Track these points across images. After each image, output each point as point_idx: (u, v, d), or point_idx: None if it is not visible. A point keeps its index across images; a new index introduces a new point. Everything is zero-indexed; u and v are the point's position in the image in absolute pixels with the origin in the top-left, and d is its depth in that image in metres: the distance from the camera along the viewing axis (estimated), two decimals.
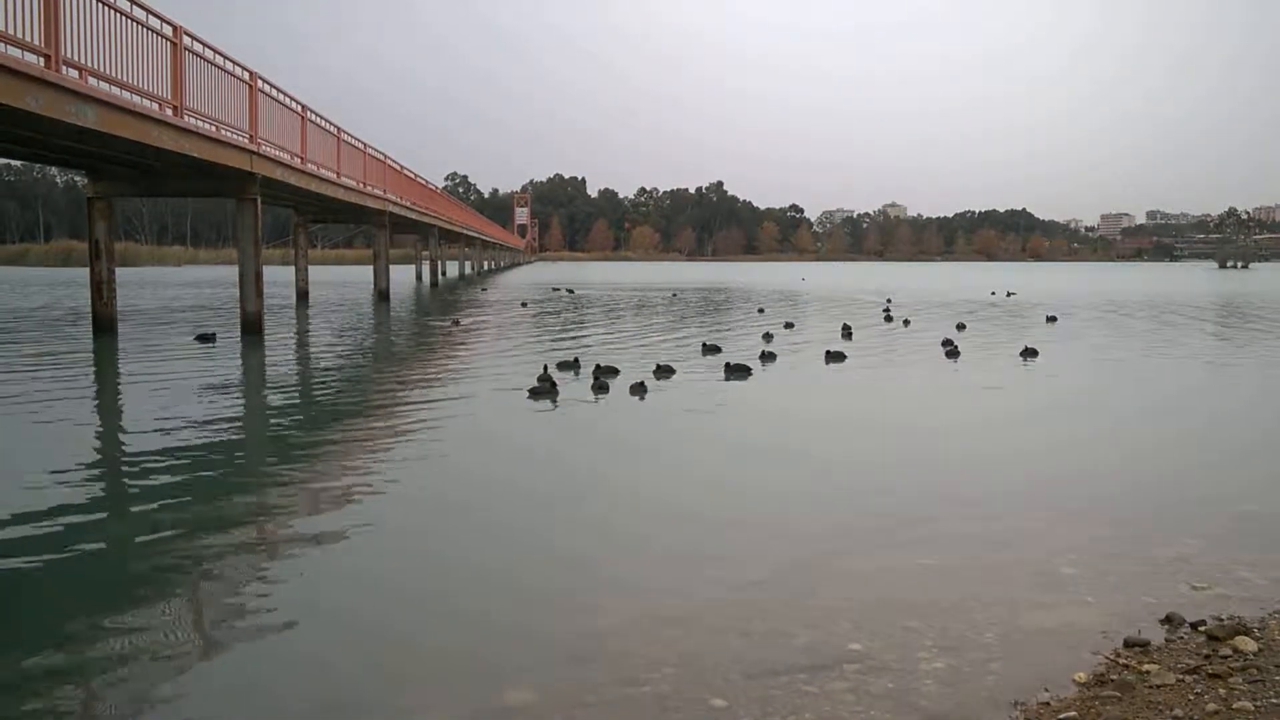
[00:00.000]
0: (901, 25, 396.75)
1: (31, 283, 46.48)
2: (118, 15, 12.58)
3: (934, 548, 5.57)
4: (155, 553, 5.53)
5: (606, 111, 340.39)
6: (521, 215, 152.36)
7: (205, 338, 17.91)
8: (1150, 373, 14.65)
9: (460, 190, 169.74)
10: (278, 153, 19.21)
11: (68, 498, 6.72)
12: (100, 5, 12.04)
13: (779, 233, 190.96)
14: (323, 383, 13.40)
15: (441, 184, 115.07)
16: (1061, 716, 3.54)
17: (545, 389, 11.24)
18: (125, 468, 7.94)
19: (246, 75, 17.47)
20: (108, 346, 16.65)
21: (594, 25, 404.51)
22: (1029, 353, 15.90)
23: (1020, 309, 30.80)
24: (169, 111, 14.06)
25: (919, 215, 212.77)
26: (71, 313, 25.34)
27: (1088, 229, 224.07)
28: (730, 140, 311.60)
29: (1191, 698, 3.65)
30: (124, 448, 8.83)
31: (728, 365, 13.44)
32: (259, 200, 18.32)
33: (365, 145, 28.09)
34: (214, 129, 15.78)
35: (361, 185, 27.41)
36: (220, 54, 16.23)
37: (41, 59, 10.59)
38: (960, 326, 21.85)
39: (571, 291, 41.13)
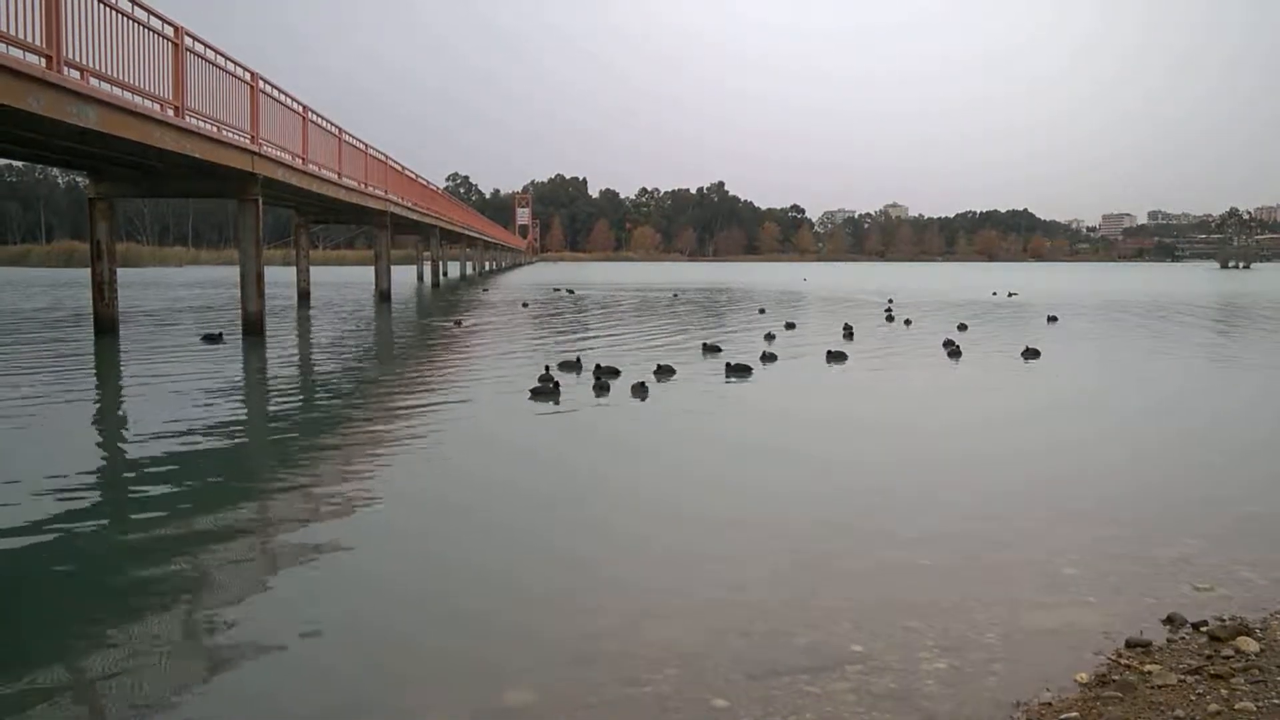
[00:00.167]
0: (902, 26, 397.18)
1: (33, 283, 46.52)
2: (119, 16, 12.59)
3: (935, 548, 5.57)
4: (156, 555, 5.53)
5: (607, 112, 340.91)
6: (523, 216, 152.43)
7: (212, 338, 17.92)
8: (1152, 373, 14.65)
9: (461, 191, 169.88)
10: (279, 153, 19.22)
11: (67, 498, 6.71)
12: (101, 6, 12.05)
13: (780, 233, 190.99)
14: (324, 383, 13.40)
15: (443, 184, 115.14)
16: (1063, 717, 3.54)
17: (547, 389, 11.25)
18: (123, 470, 7.94)
19: (248, 76, 17.49)
20: (109, 347, 16.66)
21: (594, 26, 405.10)
22: (1030, 353, 15.89)
23: (1022, 309, 30.78)
24: (170, 112, 14.07)
25: (920, 215, 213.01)
26: (73, 314, 25.36)
27: (1089, 229, 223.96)
28: (731, 140, 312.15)
29: (1193, 698, 3.64)
30: (122, 450, 8.83)
31: (729, 365, 13.44)
32: (260, 201, 18.33)
33: (366, 146, 28.09)
34: (215, 130, 15.79)
35: (363, 186, 27.42)
36: (222, 54, 16.24)
37: (43, 60, 10.59)
38: (962, 327, 21.84)
39: (572, 292, 41.14)
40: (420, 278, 52.32)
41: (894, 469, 7.78)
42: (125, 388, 12.64)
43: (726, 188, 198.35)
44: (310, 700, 3.80)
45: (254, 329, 17.92)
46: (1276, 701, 3.58)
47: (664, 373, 12.93)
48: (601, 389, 11.51)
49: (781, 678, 3.89)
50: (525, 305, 31.11)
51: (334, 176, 24.06)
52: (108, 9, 12.22)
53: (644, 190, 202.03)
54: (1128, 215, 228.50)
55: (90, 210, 18.15)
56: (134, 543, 5.77)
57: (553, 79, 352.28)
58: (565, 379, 12.11)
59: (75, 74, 11.34)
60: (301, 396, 12.16)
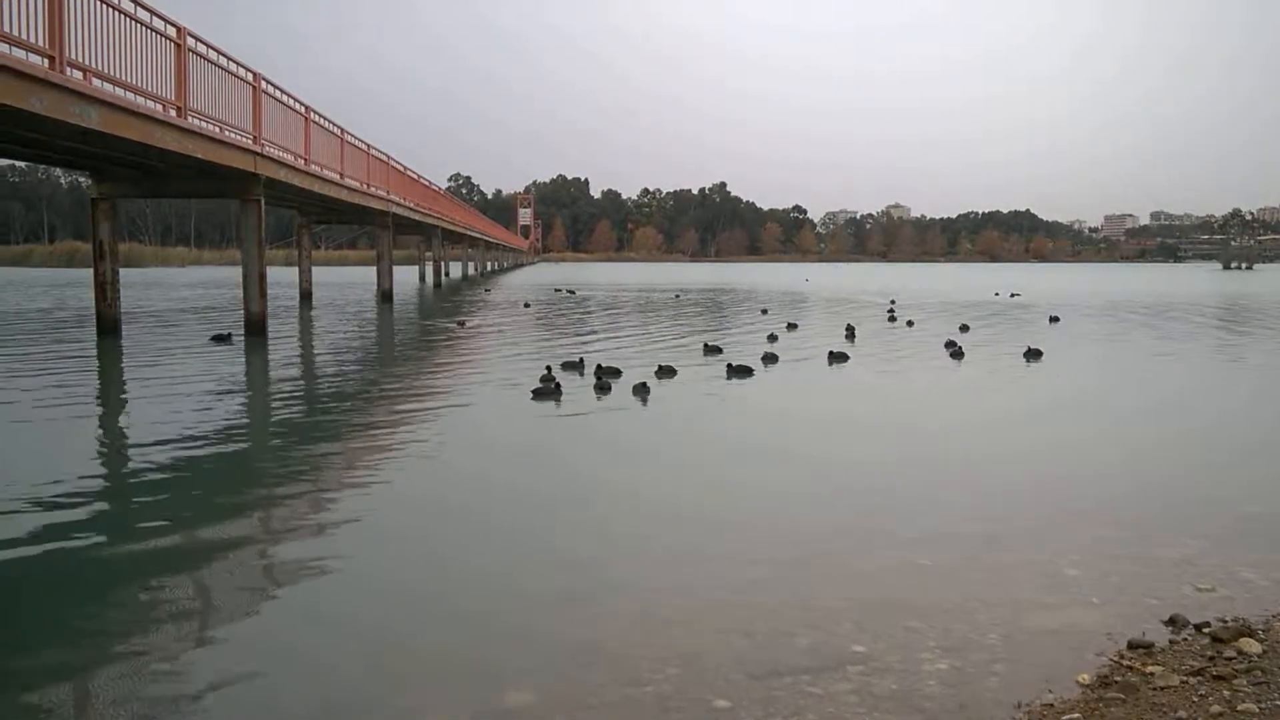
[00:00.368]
0: (903, 26, 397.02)
1: (36, 284, 46.59)
2: (121, 16, 12.60)
3: (936, 548, 5.56)
4: (156, 555, 5.54)
5: (607, 112, 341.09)
6: (525, 216, 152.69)
7: (221, 338, 17.93)
8: (1153, 373, 14.63)
9: (463, 191, 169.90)
10: (281, 154, 19.24)
11: (67, 499, 6.71)
12: (104, 6, 12.06)
13: (782, 233, 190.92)
14: (326, 384, 13.42)
15: (444, 185, 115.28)
16: (1065, 718, 3.53)
17: (549, 390, 11.25)
18: (124, 470, 7.94)
19: (250, 77, 17.50)
20: (112, 348, 16.67)
21: (594, 26, 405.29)
22: (1033, 353, 15.88)
23: (1024, 310, 30.76)
24: (173, 113, 14.08)
25: (922, 216, 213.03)
26: (76, 314, 25.38)
27: (1091, 230, 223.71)
28: (732, 141, 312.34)
29: (1196, 699, 3.64)
30: (123, 450, 8.83)
31: (730, 366, 13.44)
32: (263, 201, 18.34)
33: (369, 146, 28.12)
34: (218, 130, 15.80)
35: (365, 186, 27.44)
36: (224, 55, 16.24)
37: (45, 60, 10.61)
38: (964, 328, 21.81)
39: (574, 292, 41.12)
40: (422, 278, 52.34)
41: (896, 469, 7.77)
42: (127, 388, 12.65)
43: (728, 188, 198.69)
44: (310, 700, 3.80)
45: (257, 329, 17.94)
46: (1279, 702, 3.58)
47: (665, 373, 12.92)
48: (603, 389, 11.51)
49: (783, 678, 3.88)
50: (527, 306, 31.12)
51: (336, 177, 24.07)
52: (110, 9, 12.24)
53: (646, 191, 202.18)
54: (1130, 216, 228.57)
55: (93, 210, 18.17)
56: (135, 543, 5.78)
57: (553, 79, 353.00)
58: (567, 379, 12.11)
59: (78, 74, 11.35)
60: (304, 397, 12.17)
